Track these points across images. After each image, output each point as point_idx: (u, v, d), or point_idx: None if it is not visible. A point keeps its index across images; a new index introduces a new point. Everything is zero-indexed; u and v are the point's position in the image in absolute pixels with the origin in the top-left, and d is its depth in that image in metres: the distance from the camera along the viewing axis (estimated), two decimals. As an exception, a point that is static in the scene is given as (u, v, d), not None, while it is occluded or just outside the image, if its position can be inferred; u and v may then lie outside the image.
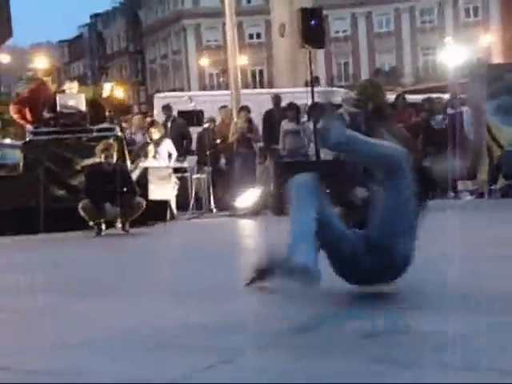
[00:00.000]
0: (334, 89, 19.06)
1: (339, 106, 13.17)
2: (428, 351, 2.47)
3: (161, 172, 11.10)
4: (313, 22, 10.83)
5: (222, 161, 12.60)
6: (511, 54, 46.02)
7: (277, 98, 12.77)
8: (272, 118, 12.43)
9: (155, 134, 11.67)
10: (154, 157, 11.46)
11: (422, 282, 3.99)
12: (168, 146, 11.68)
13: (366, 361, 2.40)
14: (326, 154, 11.82)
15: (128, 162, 10.13)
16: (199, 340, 2.87)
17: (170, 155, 11.74)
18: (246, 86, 43.12)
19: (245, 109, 12.44)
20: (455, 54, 36.18)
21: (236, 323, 3.16)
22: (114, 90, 11.47)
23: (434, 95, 13.55)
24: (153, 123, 12.38)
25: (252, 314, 3.45)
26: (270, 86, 40.65)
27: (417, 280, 4.02)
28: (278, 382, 2.23)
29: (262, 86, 45.38)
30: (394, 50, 51.47)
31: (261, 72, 50.30)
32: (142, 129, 12.53)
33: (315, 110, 11.53)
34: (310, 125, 11.79)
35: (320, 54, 44.95)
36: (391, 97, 13.63)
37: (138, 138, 12.32)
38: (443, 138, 12.13)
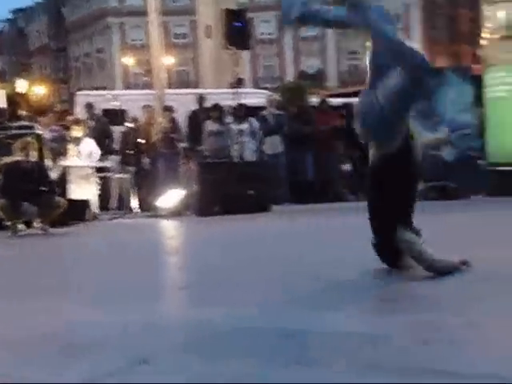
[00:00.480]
0: (260, 90, 19.11)
1: (263, 107, 13.29)
2: (346, 351, 2.49)
3: (82, 171, 10.91)
4: (237, 24, 10.84)
5: (145, 161, 12.47)
6: (430, 59, 47.15)
7: (201, 99, 12.73)
8: (196, 119, 12.39)
9: (77, 132, 11.45)
10: (76, 155, 11.25)
11: (342, 282, 4.03)
12: (89, 144, 11.48)
13: (284, 361, 2.40)
14: (249, 155, 11.89)
15: (47, 161, 9.91)
16: (116, 341, 2.83)
17: (91, 154, 11.53)
18: (171, 86, 42.90)
19: (168, 109, 12.35)
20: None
21: (154, 324, 3.13)
22: (30, 87, 11.20)
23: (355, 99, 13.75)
24: (77, 121, 12.14)
25: (172, 315, 3.43)
26: (196, 86, 40.53)
27: (336, 280, 4.07)
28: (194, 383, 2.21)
29: (187, 87, 45.16)
30: (319, 54, 52.07)
31: (186, 72, 50.08)
32: (48, 127, 12.15)
33: (240, 110, 11.55)
34: (234, 126, 11.80)
35: (246, 55, 45.11)
36: (315, 100, 13.81)
37: (47, 136, 11.89)
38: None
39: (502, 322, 2.85)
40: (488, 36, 11.95)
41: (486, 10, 11.94)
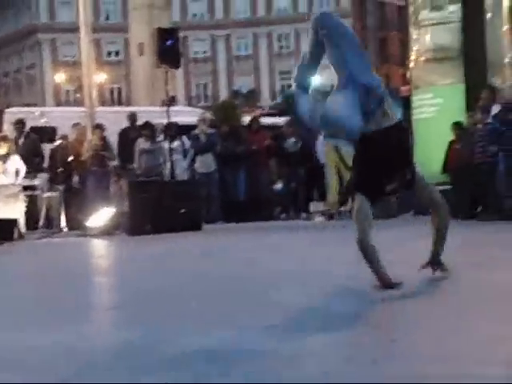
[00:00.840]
0: (192, 109, 19.12)
1: (195, 126, 13.28)
2: (266, 370, 2.49)
3: (8, 190, 10.67)
4: (169, 42, 10.84)
5: (75, 179, 12.28)
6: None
7: (132, 117, 12.66)
8: (127, 137, 12.30)
9: (2, 149, 11.20)
10: (2, 173, 11.00)
11: (267, 300, 4.04)
12: (16, 162, 11.24)
13: (207, 380, 2.38)
14: (178, 175, 11.84)
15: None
16: (37, 363, 2.77)
17: (18, 172, 11.29)
18: (103, 104, 42.48)
19: (99, 127, 12.22)
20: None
21: (78, 346, 3.07)
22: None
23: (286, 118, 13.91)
24: (3, 138, 11.88)
25: (98, 337, 3.37)
26: (129, 104, 40.24)
27: (261, 298, 4.07)
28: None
29: (120, 104, 44.80)
30: (253, 73, 52.43)
31: (119, 90, 49.69)
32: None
33: (171, 129, 11.52)
34: (166, 144, 11.75)
35: (179, 73, 45.07)
36: (247, 119, 13.88)
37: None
38: (296, 160, 12.49)
39: (423, 339, 2.89)
40: (415, 58, 12.24)
41: (414, 33, 12.24)
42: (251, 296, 4.21)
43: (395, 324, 3.28)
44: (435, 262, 4.28)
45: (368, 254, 3.99)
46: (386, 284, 3.94)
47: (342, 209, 11.88)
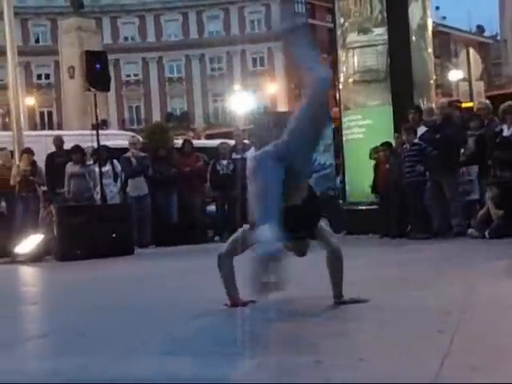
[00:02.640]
0: (124, 132, 18.97)
1: (126, 149, 13.16)
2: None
3: None
4: (98, 66, 10.75)
5: (3, 204, 12.01)
6: (294, 102, 48.65)
7: (57, 141, 12.48)
8: (55, 161, 12.11)
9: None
10: None
11: (190, 326, 4.01)
12: None
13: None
14: (109, 199, 11.70)
15: None
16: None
17: None
18: (33, 128, 41.82)
19: (28, 151, 12.00)
20: (243, 101, 37.57)
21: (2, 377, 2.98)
22: None
23: (219, 141, 13.94)
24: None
25: (25, 366, 3.27)
26: (60, 127, 39.69)
27: (184, 324, 4.04)
28: None
29: (50, 128, 44.18)
30: (185, 96, 52.46)
31: (50, 113, 49.01)
32: None
33: (100, 153, 11.39)
34: (96, 168, 11.62)
35: (111, 97, 44.76)
36: (180, 141, 13.84)
37: None
38: (229, 183, 12.51)
39: (348, 361, 2.91)
40: (344, 80, 12.44)
41: (342, 55, 12.44)
42: (179, 323, 4.17)
43: (319, 346, 3.29)
44: (339, 297, 4.31)
45: (222, 270, 4.34)
46: (235, 303, 4.28)
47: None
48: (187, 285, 6.25)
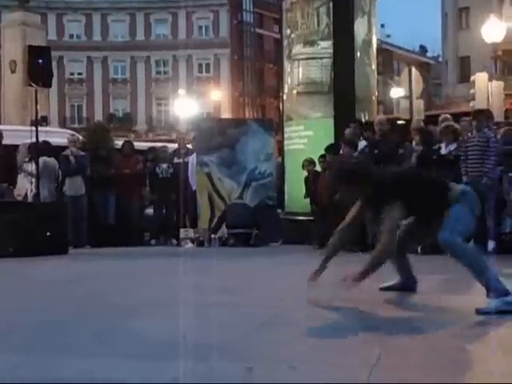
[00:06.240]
0: (64, 130, 18.68)
1: (65, 147, 12.94)
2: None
3: None
4: (40, 61, 10.57)
5: None
6: (238, 110, 48.80)
7: (-4, 136, 12.18)
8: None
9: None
10: None
11: (121, 328, 3.98)
12: None
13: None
14: (45, 197, 11.48)
15: None
16: None
17: None
18: (-28, 121, 40.82)
19: (-36, 144, 11.70)
20: (187, 107, 37.47)
21: None
22: None
23: (160, 144, 13.85)
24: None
25: None
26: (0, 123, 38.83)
27: (115, 326, 4.01)
28: None
29: (-11, 122, 43.22)
30: (129, 97, 52.04)
31: (-11, 108, 47.99)
32: None
33: (38, 149, 11.17)
34: (31, 165, 11.40)
35: (53, 94, 44.10)
36: (120, 142, 13.69)
37: None
38: (168, 186, 12.45)
39: (278, 368, 2.92)
40: (288, 91, 12.53)
41: (287, 66, 12.53)
42: (113, 325, 4.12)
43: (251, 353, 3.30)
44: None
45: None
46: None
47: (213, 236, 11.93)
48: (120, 286, 6.20)
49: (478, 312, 4.30)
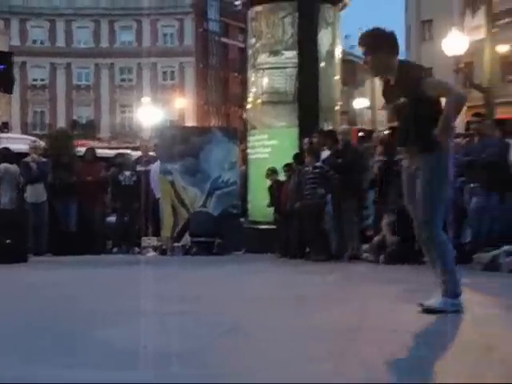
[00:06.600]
0: (25, 136, 18.49)
1: (27, 154, 12.81)
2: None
3: None
4: (2, 67, 10.47)
5: None
6: (203, 118, 48.75)
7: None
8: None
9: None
10: None
11: (74, 335, 3.94)
12: None
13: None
14: (5, 204, 11.34)
15: None
16: None
17: None
18: None
19: None
20: (151, 114, 37.34)
21: None
22: None
23: (124, 151, 13.77)
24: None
25: None
26: (-42, 127, 38.19)
27: (65, 333, 3.97)
28: None
29: None
30: (93, 104, 51.68)
31: (-51, 112, 47.27)
32: None
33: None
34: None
35: (15, 99, 43.63)
36: (83, 149, 13.58)
37: None
38: (131, 194, 12.38)
39: (236, 374, 2.92)
40: (252, 100, 12.56)
41: (252, 75, 12.56)
42: (73, 334, 4.08)
43: (212, 362, 3.29)
44: None
45: None
46: None
47: (176, 244, 11.88)
48: (80, 295, 6.13)
49: (423, 308, 4.56)
